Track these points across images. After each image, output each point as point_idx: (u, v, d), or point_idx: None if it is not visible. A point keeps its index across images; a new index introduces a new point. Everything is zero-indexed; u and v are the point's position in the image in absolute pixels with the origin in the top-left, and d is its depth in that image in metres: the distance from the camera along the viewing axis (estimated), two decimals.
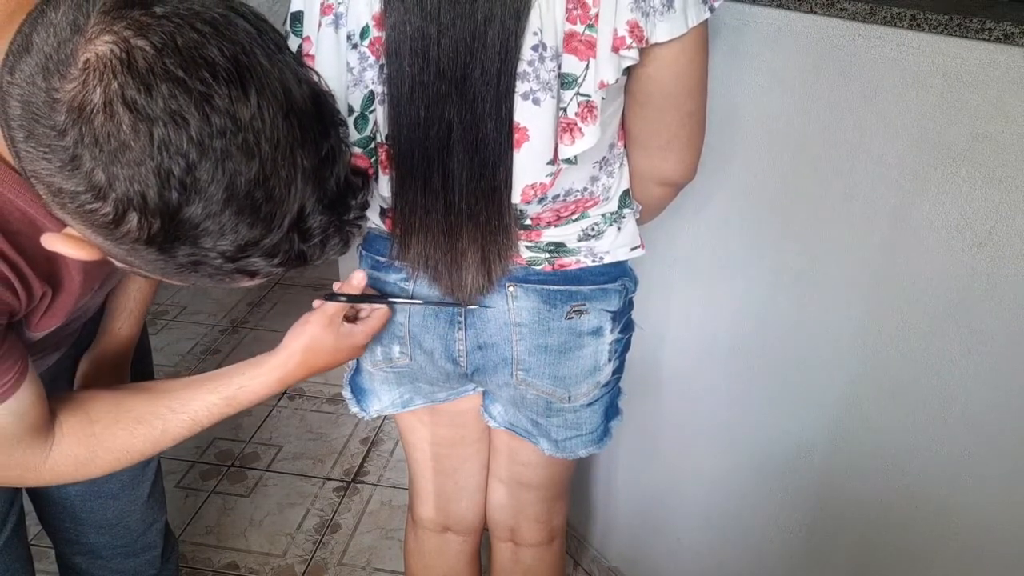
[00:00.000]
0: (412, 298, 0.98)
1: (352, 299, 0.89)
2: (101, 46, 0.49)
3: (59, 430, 0.78)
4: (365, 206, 0.63)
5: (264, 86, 0.52)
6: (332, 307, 0.87)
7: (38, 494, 1.12)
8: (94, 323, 1.03)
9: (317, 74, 0.60)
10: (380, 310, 0.92)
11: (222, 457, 2.16)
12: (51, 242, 0.58)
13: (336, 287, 0.91)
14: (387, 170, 0.87)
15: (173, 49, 0.49)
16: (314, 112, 0.56)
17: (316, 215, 0.57)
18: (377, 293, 0.96)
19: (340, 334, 0.89)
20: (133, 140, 0.49)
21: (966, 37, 0.85)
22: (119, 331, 1.04)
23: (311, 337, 0.87)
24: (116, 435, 0.80)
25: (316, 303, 0.90)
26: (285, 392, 2.42)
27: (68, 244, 0.58)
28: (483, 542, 1.35)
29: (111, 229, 0.53)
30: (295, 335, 0.87)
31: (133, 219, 0.52)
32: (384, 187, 0.89)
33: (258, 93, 0.51)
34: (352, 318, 0.92)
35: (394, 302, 0.94)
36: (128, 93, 0.49)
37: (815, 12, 0.98)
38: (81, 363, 1.03)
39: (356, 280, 0.89)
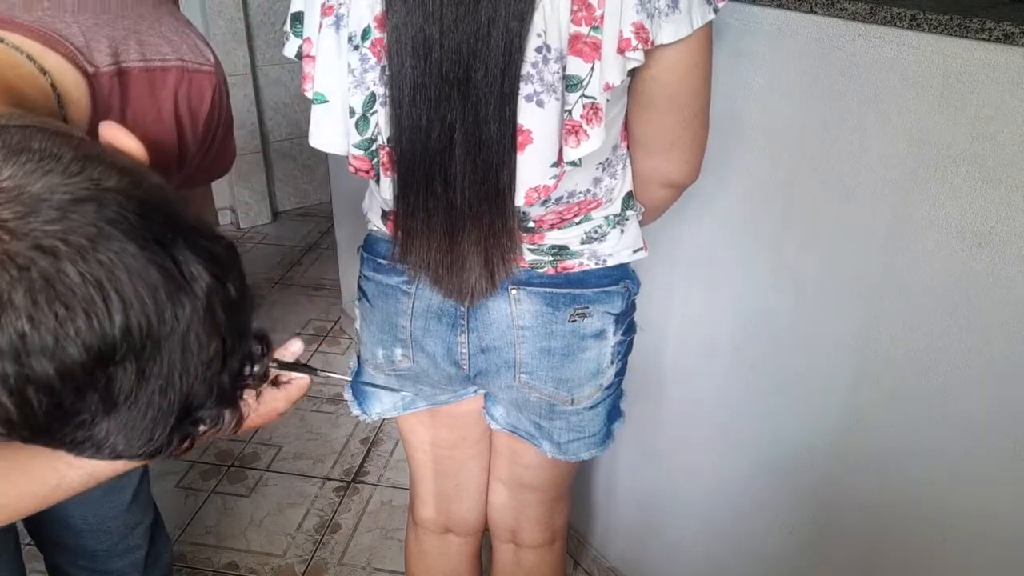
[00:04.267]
0: (414, 301, 0.98)
1: (283, 366, 0.88)
2: None
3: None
4: (265, 377, 0.60)
5: (136, 307, 0.47)
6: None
7: None
8: None
9: (208, 256, 0.52)
10: (303, 380, 0.89)
11: (222, 457, 2.16)
12: None
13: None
14: (388, 172, 0.87)
15: (27, 283, 0.45)
16: (203, 313, 0.50)
17: (207, 409, 0.54)
18: (309, 366, 0.95)
19: (264, 399, 0.85)
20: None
21: (966, 37, 0.85)
22: None
23: None
24: (4, 491, 0.76)
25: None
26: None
27: None
28: (484, 543, 1.35)
29: None
30: None
31: (1, 430, 0.49)
32: (386, 189, 0.88)
33: (127, 318, 0.47)
34: (273, 382, 0.91)
35: (325, 372, 0.92)
36: None
37: (815, 12, 0.98)
38: None
39: (293, 348, 0.86)
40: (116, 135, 0.57)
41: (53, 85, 0.65)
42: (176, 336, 0.50)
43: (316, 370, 0.92)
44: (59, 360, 0.46)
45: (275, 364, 0.86)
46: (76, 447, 0.52)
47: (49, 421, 0.48)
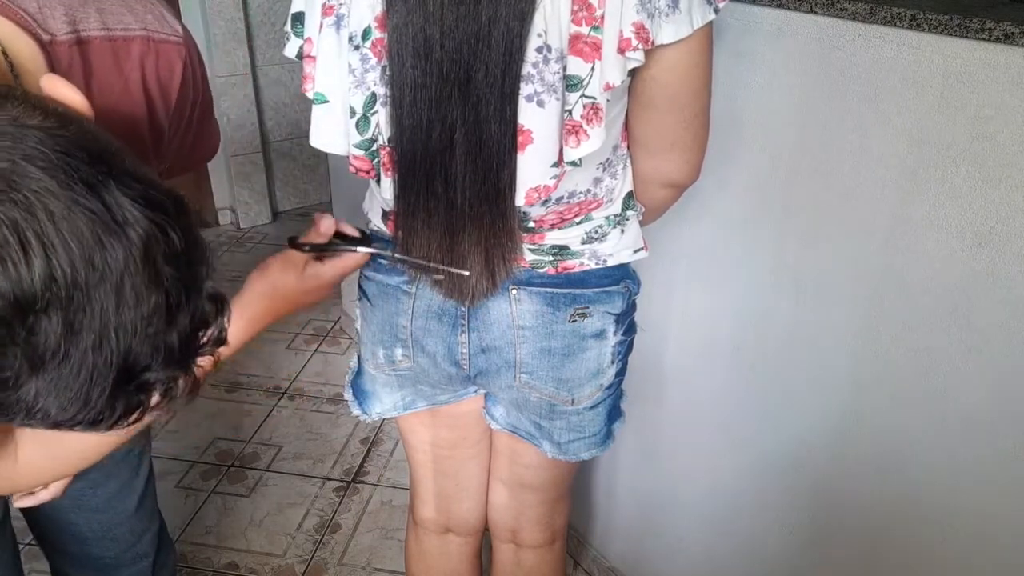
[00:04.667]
0: (414, 301, 0.98)
1: (316, 248, 0.84)
2: None
3: (21, 436, 0.73)
4: (221, 341, 0.55)
5: (59, 251, 0.43)
6: (296, 255, 0.84)
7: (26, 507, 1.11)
8: None
9: (145, 200, 0.48)
10: (353, 255, 0.87)
11: (222, 457, 2.16)
12: None
13: (315, 217, 0.87)
14: (389, 172, 0.87)
15: None
16: (140, 262, 0.46)
17: (154, 371, 0.49)
18: (350, 236, 0.90)
19: (305, 275, 0.84)
20: None
21: (966, 37, 0.85)
22: None
23: (271, 282, 0.83)
24: (44, 453, 0.75)
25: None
26: (285, 392, 2.42)
27: None
28: (484, 543, 1.35)
29: None
30: (254, 280, 0.83)
31: None
32: (386, 189, 0.88)
33: (49, 263, 0.43)
34: (318, 259, 0.88)
35: (363, 251, 0.88)
36: None
37: (815, 12, 0.98)
38: None
39: (323, 227, 0.84)
40: (56, 86, 0.53)
41: (4, 52, 0.61)
42: (108, 285, 0.45)
43: (355, 246, 0.87)
44: None
45: (308, 248, 0.82)
46: (5, 412, 0.47)
47: None
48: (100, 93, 0.70)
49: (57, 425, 0.49)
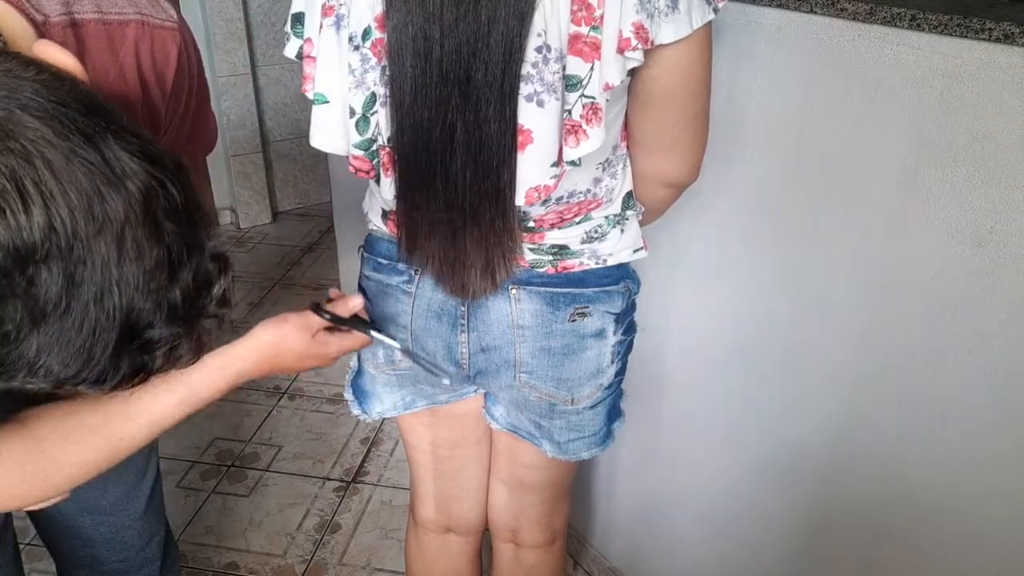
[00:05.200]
0: (414, 301, 0.98)
1: (336, 320, 0.86)
2: None
3: (4, 452, 0.72)
4: (225, 300, 0.54)
5: (59, 201, 0.43)
6: (314, 320, 0.85)
7: (33, 511, 1.09)
8: None
9: (144, 155, 0.48)
10: (363, 336, 0.89)
11: (222, 457, 2.16)
12: None
13: (332, 293, 0.89)
14: (389, 172, 0.87)
15: None
16: (140, 215, 0.46)
17: (157, 328, 0.49)
18: (367, 321, 0.93)
19: (315, 341, 0.85)
20: None
21: (966, 37, 0.85)
22: None
23: (283, 336, 0.83)
24: (68, 450, 0.74)
25: (333, 292, 0.89)
26: (285, 392, 2.42)
27: None
28: (484, 543, 1.35)
29: None
30: (267, 328, 0.83)
31: None
32: (387, 189, 0.88)
33: (48, 212, 0.42)
34: (328, 330, 0.89)
35: (378, 338, 0.92)
36: None
37: (815, 12, 0.98)
38: None
39: (352, 304, 0.85)
40: (49, 51, 0.53)
41: None
42: (108, 236, 0.45)
43: (371, 329, 0.90)
44: None
45: (328, 316, 0.85)
46: (7, 369, 0.46)
47: None
48: (94, 76, 0.69)
49: (60, 383, 0.48)
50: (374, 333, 0.90)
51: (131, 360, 0.49)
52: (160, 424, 0.76)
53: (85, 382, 0.49)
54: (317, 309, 0.86)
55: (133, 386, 0.52)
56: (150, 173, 0.47)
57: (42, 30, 0.66)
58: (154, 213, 0.47)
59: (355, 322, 0.89)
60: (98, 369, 0.48)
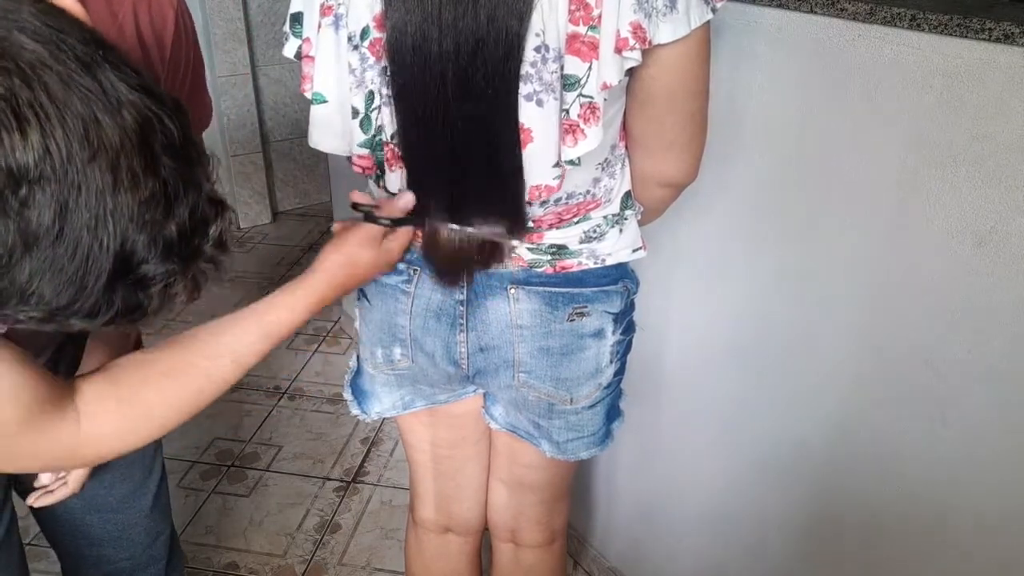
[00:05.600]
0: (412, 300, 0.98)
1: (396, 222, 0.84)
2: None
3: (82, 400, 0.71)
4: (222, 243, 0.54)
5: (54, 123, 0.43)
6: (375, 229, 0.84)
7: (39, 509, 1.08)
8: None
9: (141, 88, 0.47)
10: (409, 228, 0.89)
11: (222, 457, 2.16)
12: None
13: (374, 204, 0.87)
14: (393, 167, 0.87)
15: None
16: (136, 144, 0.46)
17: (152, 263, 0.49)
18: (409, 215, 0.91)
19: (382, 251, 0.85)
20: None
21: (966, 37, 0.85)
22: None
23: (349, 256, 0.83)
24: (152, 395, 0.73)
25: (337, 226, 0.86)
26: (285, 392, 2.42)
27: None
28: (484, 543, 1.35)
29: None
30: (332, 253, 0.82)
31: None
32: (392, 183, 0.88)
33: (44, 134, 0.43)
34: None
35: (432, 223, 0.89)
36: None
37: (815, 12, 0.98)
38: (87, 356, 1.01)
39: (403, 202, 0.84)
40: None
41: None
42: (103, 163, 0.45)
43: (423, 219, 0.88)
44: None
45: (387, 222, 0.84)
46: None
47: None
48: None
49: (53, 314, 0.48)
50: (423, 222, 0.88)
51: (125, 295, 0.49)
52: (242, 362, 0.76)
53: (78, 314, 0.49)
54: (370, 217, 0.84)
55: (130, 322, 0.51)
56: (147, 106, 0.47)
57: None
58: (151, 145, 0.47)
59: (408, 220, 0.87)
60: (91, 301, 0.48)
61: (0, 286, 0.45)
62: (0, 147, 0.42)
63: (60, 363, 0.99)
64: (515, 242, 0.90)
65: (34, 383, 0.67)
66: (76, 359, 1.01)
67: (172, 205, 0.48)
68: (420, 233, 0.91)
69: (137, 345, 1.10)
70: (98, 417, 0.72)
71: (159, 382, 0.74)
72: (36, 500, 0.97)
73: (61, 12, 0.48)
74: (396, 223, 0.86)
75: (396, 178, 0.88)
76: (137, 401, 0.73)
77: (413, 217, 0.87)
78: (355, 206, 0.85)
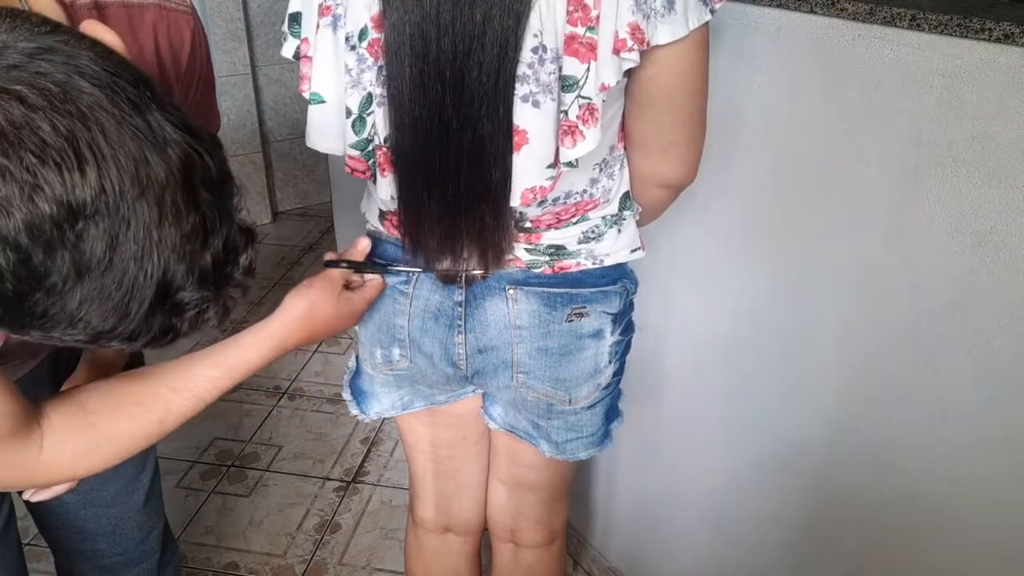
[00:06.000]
0: (411, 301, 0.98)
1: (354, 266, 0.87)
2: None
3: (48, 426, 0.74)
4: (250, 270, 0.57)
5: (109, 162, 0.46)
6: (336, 273, 0.86)
7: (34, 503, 1.11)
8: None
9: (183, 127, 0.51)
10: (376, 280, 0.91)
11: (222, 457, 2.16)
12: None
13: (328, 256, 0.90)
14: (385, 172, 0.87)
15: None
16: (180, 181, 0.50)
17: (188, 291, 0.52)
18: (380, 263, 0.95)
19: (341, 301, 0.87)
20: None
21: (966, 37, 0.85)
22: None
23: (312, 303, 0.85)
24: (118, 423, 0.77)
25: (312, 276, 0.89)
26: (285, 392, 2.42)
27: None
28: (483, 542, 1.35)
29: None
30: (296, 299, 0.85)
31: None
32: (383, 190, 0.88)
33: (100, 172, 0.46)
34: (345, 287, 0.91)
35: (395, 270, 0.93)
36: None
37: (815, 12, 0.98)
38: (77, 370, 1.02)
39: (361, 246, 0.87)
40: (95, 29, 0.56)
41: (28, 9, 0.65)
42: (151, 199, 0.48)
43: (386, 265, 0.92)
44: (27, 213, 0.44)
45: (346, 264, 0.88)
46: (48, 321, 0.49)
47: (18, 284, 0.46)
48: None
49: (97, 337, 0.51)
50: (391, 268, 0.92)
51: (162, 320, 0.53)
52: (203, 397, 0.80)
53: (119, 337, 0.52)
54: (330, 263, 0.87)
55: (162, 346, 0.55)
56: (189, 143, 0.51)
57: (70, 11, 0.69)
58: (192, 180, 0.50)
59: (370, 264, 0.90)
60: (132, 326, 0.51)
61: (52, 312, 0.48)
62: (62, 184, 0.45)
63: (59, 362, 0.99)
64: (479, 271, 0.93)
65: (4, 408, 0.70)
66: (74, 358, 1.01)
67: (209, 236, 0.52)
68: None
69: (134, 359, 1.12)
70: (60, 444, 0.75)
71: (126, 412, 0.78)
72: (33, 496, 0.98)
73: (112, 54, 0.51)
74: (358, 268, 0.88)
75: (387, 184, 0.87)
76: (102, 430, 0.77)
77: (373, 263, 0.90)
78: (327, 263, 0.89)
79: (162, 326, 0.53)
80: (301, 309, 0.85)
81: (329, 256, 0.90)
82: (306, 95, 0.85)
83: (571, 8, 0.76)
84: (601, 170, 0.90)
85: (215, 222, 0.52)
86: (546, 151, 0.81)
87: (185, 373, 0.81)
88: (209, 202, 0.52)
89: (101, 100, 0.47)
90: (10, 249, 0.45)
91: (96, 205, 0.46)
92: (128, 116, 0.48)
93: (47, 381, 1.00)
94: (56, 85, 0.46)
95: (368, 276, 0.93)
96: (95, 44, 0.50)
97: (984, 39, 0.84)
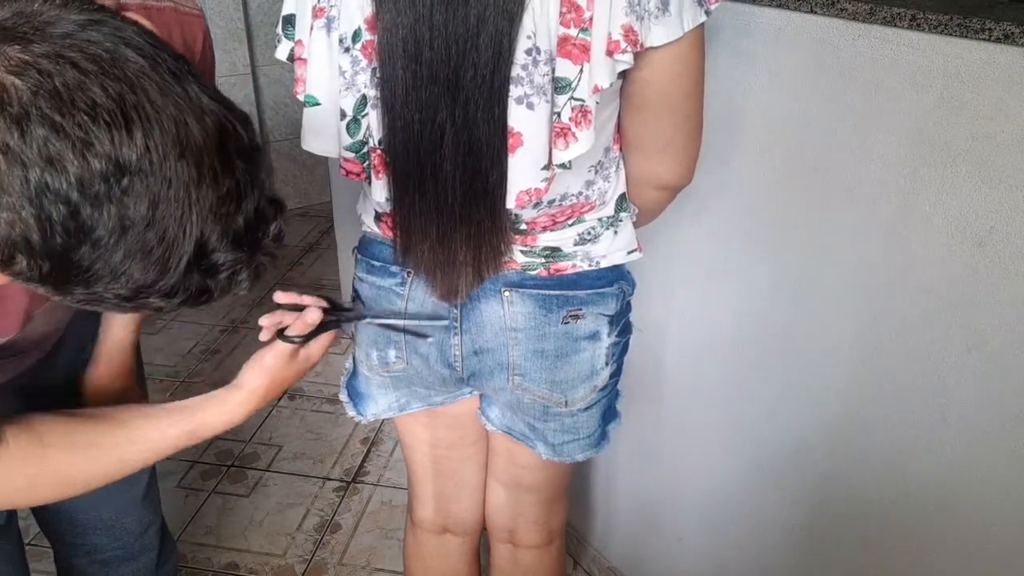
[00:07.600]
0: (407, 303, 0.98)
1: (307, 339, 0.90)
2: None
3: (4, 449, 0.75)
4: (279, 237, 0.61)
5: (153, 124, 0.50)
6: (288, 348, 0.88)
7: None
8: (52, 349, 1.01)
9: (217, 99, 0.55)
10: (331, 332, 0.94)
11: (222, 457, 2.16)
12: None
13: (278, 298, 0.91)
14: (380, 174, 0.87)
15: (50, 91, 0.47)
16: (216, 146, 0.53)
17: (222, 252, 0.56)
18: (331, 318, 0.95)
19: (299, 361, 0.90)
20: (8, 184, 0.47)
21: (966, 37, 0.85)
22: (117, 332, 1.04)
23: (270, 375, 0.88)
24: (71, 461, 0.79)
25: (265, 339, 0.92)
26: (285, 392, 2.41)
27: None
28: (482, 543, 1.35)
29: (4, 266, 0.51)
30: (255, 374, 0.88)
31: (22, 260, 0.50)
32: (377, 192, 0.88)
33: (145, 133, 0.49)
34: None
35: (348, 320, 0.96)
36: (0, 136, 0.47)
37: (815, 12, 0.98)
38: (88, 369, 1.03)
39: (310, 319, 0.89)
40: (135, 19, 0.60)
41: None
42: (190, 160, 0.51)
43: (339, 319, 0.95)
44: (79, 167, 0.48)
45: (299, 340, 0.89)
46: (92, 275, 0.52)
47: (67, 238, 0.49)
48: None
49: (138, 292, 0.54)
50: (344, 320, 0.95)
51: (199, 280, 0.56)
52: (158, 452, 0.85)
53: (158, 293, 0.55)
54: (284, 337, 0.89)
55: (199, 304, 0.59)
56: (223, 114, 0.54)
57: None
58: (227, 147, 0.54)
59: (322, 326, 0.91)
60: (172, 281, 0.55)
61: (97, 267, 0.52)
62: (111, 142, 0.48)
63: (59, 354, 1.00)
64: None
65: None
66: (75, 357, 1.01)
67: (242, 201, 0.55)
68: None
69: (138, 361, 1.13)
70: (13, 472, 0.76)
71: (84, 453, 0.80)
72: None
73: (152, 32, 0.55)
74: (307, 338, 0.90)
75: (381, 186, 0.87)
76: (56, 463, 0.79)
77: (325, 326, 0.92)
78: (279, 305, 0.91)
79: (199, 286, 0.56)
80: (263, 382, 0.88)
81: (279, 297, 0.91)
82: (301, 97, 0.85)
83: (564, 9, 0.75)
84: (596, 172, 0.90)
85: (248, 188, 0.56)
86: (540, 153, 0.80)
87: (145, 426, 0.84)
88: (243, 168, 0.55)
89: (145, 68, 0.51)
90: (61, 203, 0.48)
91: (141, 163, 0.49)
92: (170, 84, 0.51)
93: (14, 402, 0.99)
94: (106, 52, 0.49)
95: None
96: (137, 22, 0.54)
97: (984, 39, 0.84)
